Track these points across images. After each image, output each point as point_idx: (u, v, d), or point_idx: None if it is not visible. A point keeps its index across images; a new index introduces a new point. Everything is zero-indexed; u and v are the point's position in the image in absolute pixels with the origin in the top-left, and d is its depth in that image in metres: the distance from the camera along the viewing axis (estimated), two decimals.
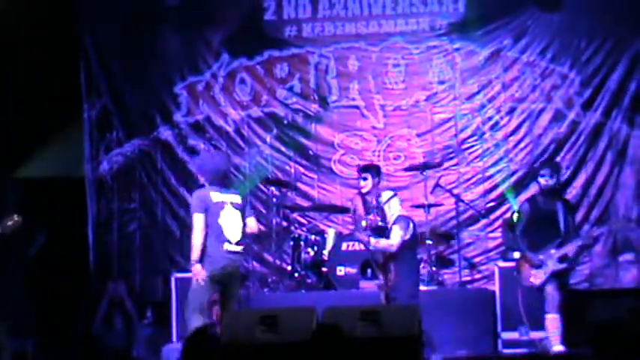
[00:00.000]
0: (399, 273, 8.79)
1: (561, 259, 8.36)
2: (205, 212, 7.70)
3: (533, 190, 9.33)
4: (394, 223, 8.87)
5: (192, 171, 10.89)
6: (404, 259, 8.69)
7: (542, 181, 8.66)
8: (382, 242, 8.88)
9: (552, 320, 8.32)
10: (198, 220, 7.68)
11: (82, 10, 11.18)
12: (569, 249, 8.42)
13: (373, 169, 9.84)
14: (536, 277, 8.44)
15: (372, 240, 9.07)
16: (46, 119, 10.95)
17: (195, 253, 7.64)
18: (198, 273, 7.68)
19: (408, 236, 8.75)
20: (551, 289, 8.37)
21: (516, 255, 9.27)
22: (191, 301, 7.87)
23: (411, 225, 8.78)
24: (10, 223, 8.37)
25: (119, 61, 11.21)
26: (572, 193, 10.25)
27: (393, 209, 9.02)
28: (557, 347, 8.21)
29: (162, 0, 11.12)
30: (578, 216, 9.79)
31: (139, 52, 11.22)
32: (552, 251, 8.38)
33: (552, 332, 8.33)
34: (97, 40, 11.23)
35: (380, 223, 8.99)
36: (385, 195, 9.21)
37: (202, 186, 8.57)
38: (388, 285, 9.00)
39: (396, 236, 8.75)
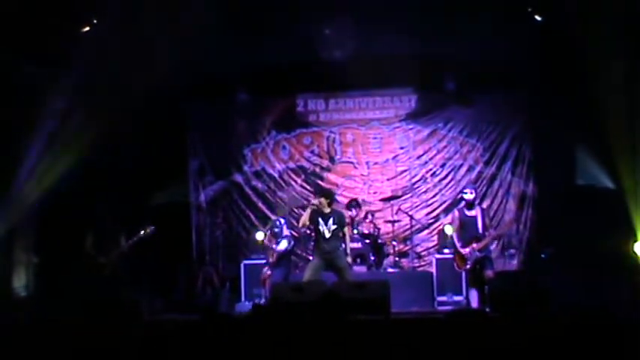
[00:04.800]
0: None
1: (479, 251, 8.10)
2: None
3: (461, 204, 8.66)
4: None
5: (254, 200, 11.08)
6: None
7: (466, 197, 8.35)
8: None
9: (472, 291, 8.23)
10: None
11: (187, 104, 11.00)
12: (483, 244, 8.13)
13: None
14: (465, 265, 8.22)
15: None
16: (169, 168, 10.83)
17: None
18: None
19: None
20: (474, 271, 8.16)
21: (446, 250, 9.54)
22: None
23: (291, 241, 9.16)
24: (148, 230, 8.75)
25: (210, 134, 11.09)
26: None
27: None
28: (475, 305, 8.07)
29: (236, 97, 10.93)
30: None
31: (222, 128, 11.12)
32: (474, 245, 8.11)
33: (473, 298, 8.20)
34: (196, 120, 11.12)
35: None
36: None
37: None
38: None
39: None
